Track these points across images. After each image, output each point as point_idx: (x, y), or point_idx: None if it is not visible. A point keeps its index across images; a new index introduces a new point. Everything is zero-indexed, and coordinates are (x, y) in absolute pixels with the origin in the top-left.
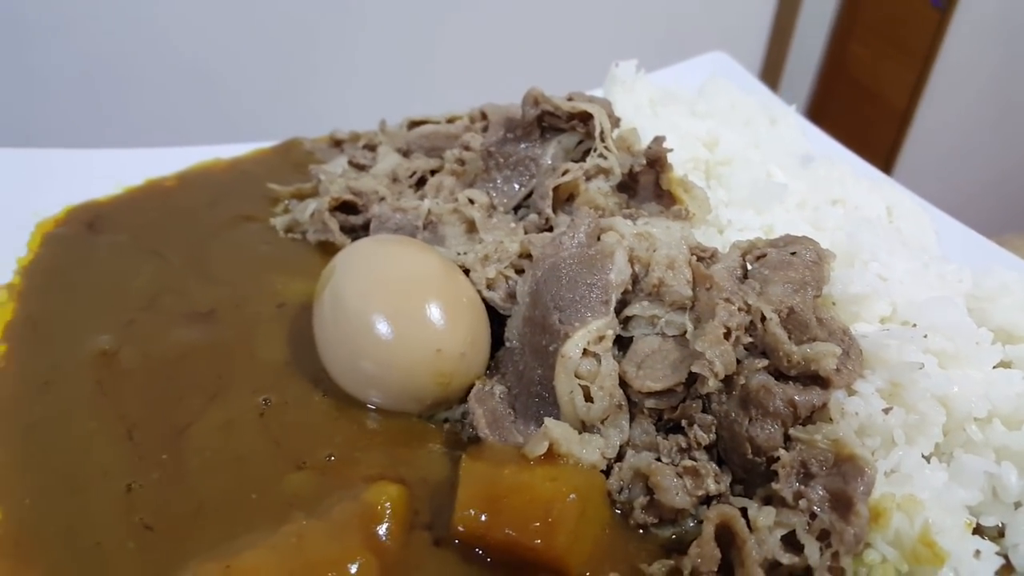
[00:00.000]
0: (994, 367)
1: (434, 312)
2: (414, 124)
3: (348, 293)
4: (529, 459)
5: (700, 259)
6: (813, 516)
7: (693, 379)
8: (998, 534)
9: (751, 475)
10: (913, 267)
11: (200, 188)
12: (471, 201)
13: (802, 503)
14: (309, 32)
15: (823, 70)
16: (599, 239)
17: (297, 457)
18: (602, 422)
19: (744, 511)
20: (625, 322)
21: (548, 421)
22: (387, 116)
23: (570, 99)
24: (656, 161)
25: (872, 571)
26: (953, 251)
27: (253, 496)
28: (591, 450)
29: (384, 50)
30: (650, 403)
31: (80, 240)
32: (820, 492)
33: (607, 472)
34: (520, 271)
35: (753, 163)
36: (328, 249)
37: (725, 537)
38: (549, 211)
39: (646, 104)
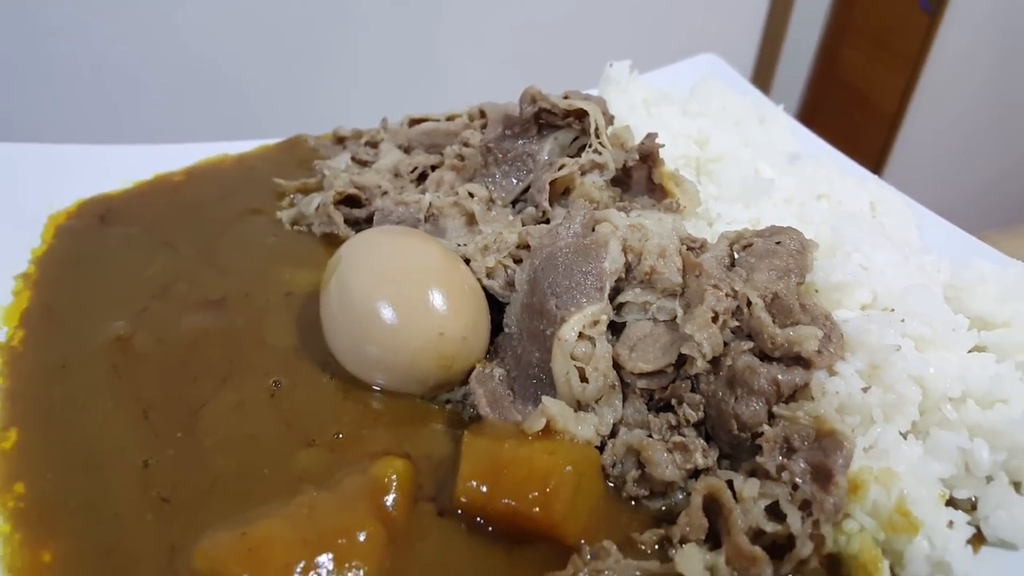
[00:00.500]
0: (969, 352)
1: (436, 298)
2: (415, 122)
3: (354, 281)
4: (528, 435)
5: (690, 249)
6: (795, 487)
7: (682, 360)
8: (971, 507)
9: (737, 450)
10: (894, 258)
11: (208, 183)
12: (471, 195)
13: (785, 475)
14: (313, 35)
15: (815, 74)
16: (594, 230)
17: (307, 435)
18: (596, 401)
19: (730, 483)
20: (618, 308)
21: (545, 399)
22: (388, 114)
23: (566, 97)
24: (648, 156)
25: (851, 539)
26: (934, 245)
27: (265, 471)
28: (586, 427)
29: (385, 52)
30: (642, 383)
31: (92, 232)
32: (802, 465)
33: (601, 448)
34: (518, 261)
35: (742, 161)
36: (333, 241)
37: (712, 507)
38: (546, 204)
39: (640, 104)
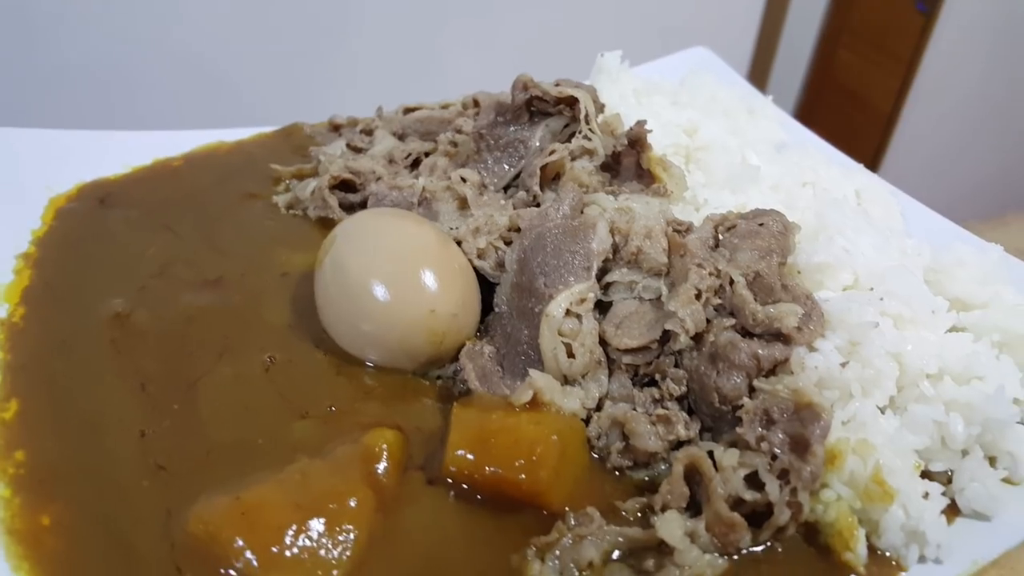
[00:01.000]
0: (948, 332)
1: (428, 276)
2: (409, 110)
3: (348, 260)
4: (515, 406)
5: (676, 231)
6: (774, 457)
7: (666, 337)
8: (947, 480)
9: (718, 423)
10: (876, 241)
11: (206, 168)
12: (463, 179)
13: (764, 445)
14: (309, 24)
15: (810, 75)
16: (583, 212)
17: (301, 408)
18: (583, 376)
19: (711, 454)
20: (606, 288)
21: (533, 372)
22: (383, 103)
23: (557, 85)
24: (637, 141)
25: (828, 508)
26: (918, 232)
27: (260, 441)
28: (572, 400)
29: (381, 42)
30: (627, 359)
31: (92, 214)
32: (780, 436)
33: (587, 422)
34: (509, 243)
35: (730, 149)
36: (327, 225)
37: (693, 477)
38: (536, 188)
39: (630, 94)
